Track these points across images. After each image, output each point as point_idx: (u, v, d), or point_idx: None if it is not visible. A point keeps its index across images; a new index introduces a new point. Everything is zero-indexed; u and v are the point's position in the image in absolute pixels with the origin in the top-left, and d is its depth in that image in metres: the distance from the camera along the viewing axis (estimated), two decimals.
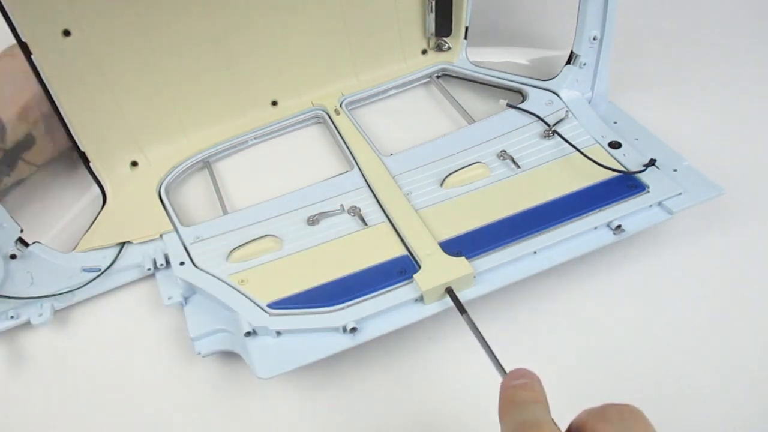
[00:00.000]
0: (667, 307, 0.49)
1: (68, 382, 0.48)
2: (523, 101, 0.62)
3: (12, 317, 0.49)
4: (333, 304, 0.45)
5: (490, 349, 0.39)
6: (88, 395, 0.48)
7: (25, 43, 0.49)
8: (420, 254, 0.47)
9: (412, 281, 0.46)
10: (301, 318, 0.45)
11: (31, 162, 0.58)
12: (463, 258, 0.46)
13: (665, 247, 0.52)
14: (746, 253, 0.52)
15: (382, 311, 0.45)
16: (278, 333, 0.45)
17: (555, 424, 0.28)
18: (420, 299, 0.46)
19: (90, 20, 0.52)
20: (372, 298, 0.46)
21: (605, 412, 0.27)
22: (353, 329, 0.44)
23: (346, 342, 0.44)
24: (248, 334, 0.44)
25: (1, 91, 0.55)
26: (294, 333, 0.45)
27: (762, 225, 0.54)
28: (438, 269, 0.46)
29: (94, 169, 0.57)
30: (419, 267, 0.47)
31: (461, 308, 0.44)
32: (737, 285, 0.50)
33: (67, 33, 0.51)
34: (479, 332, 0.41)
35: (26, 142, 0.56)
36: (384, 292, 0.46)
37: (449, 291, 0.45)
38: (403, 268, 0.47)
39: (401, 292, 0.46)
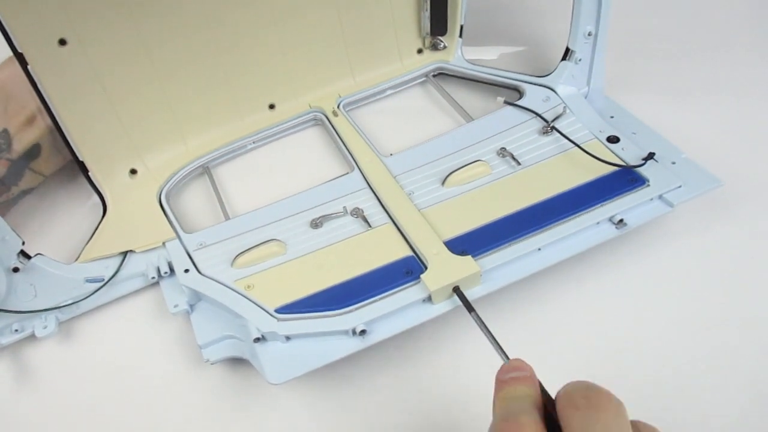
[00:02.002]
0: (670, 303, 0.49)
1: (75, 393, 0.48)
2: (520, 98, 0.62)
3: (16, 330, 0.49)
4: (341, 307, 0.45)
5: (500, 346, 0.39)
6: (95, 406, 0.47)
7: (20, 54, 0.49)
8: (426, 254, 0.47)
9: (420, 281, 0.46)
10: (310, 322, 0.45)
11: (38, 171, 0.57)
12: (469, 257, 0.47)
13: (667, 243, 0.53)
14: (747, 245, 0.52)
15: (390, 312, 0.45)
16: (287, 338, 0.45)
17: (540, 418, 0.27)
18: (428, 299, 0.46)
19: (86, 29, 0.51)
20: (380, 299, 0.46)
21: (572, 398, 0.27)
22: (363, 332, 0.44)
23: (355, 345, 0.44)
24: (257, 340, 0.44)
25: (6, 100, 0.54)
26: (303, 337, 0.45)
27: (762, 217, 0.54)
28: (445, 269, 0.46)
29: (93, 179, 0.56)
30: (426, 267, 0.47)
31: (469, 307, 0.44)
32: (739, 278, 0.50)
33: (63, 42, 0.51)
34: (488, 330, 0.41)
35: (33, 152, 0.56)
36: (392, 294, 0.46)
37: (457, 290, 0.45)
38: (409, 269, 0.47)
39: (409, 293, 0.46)
